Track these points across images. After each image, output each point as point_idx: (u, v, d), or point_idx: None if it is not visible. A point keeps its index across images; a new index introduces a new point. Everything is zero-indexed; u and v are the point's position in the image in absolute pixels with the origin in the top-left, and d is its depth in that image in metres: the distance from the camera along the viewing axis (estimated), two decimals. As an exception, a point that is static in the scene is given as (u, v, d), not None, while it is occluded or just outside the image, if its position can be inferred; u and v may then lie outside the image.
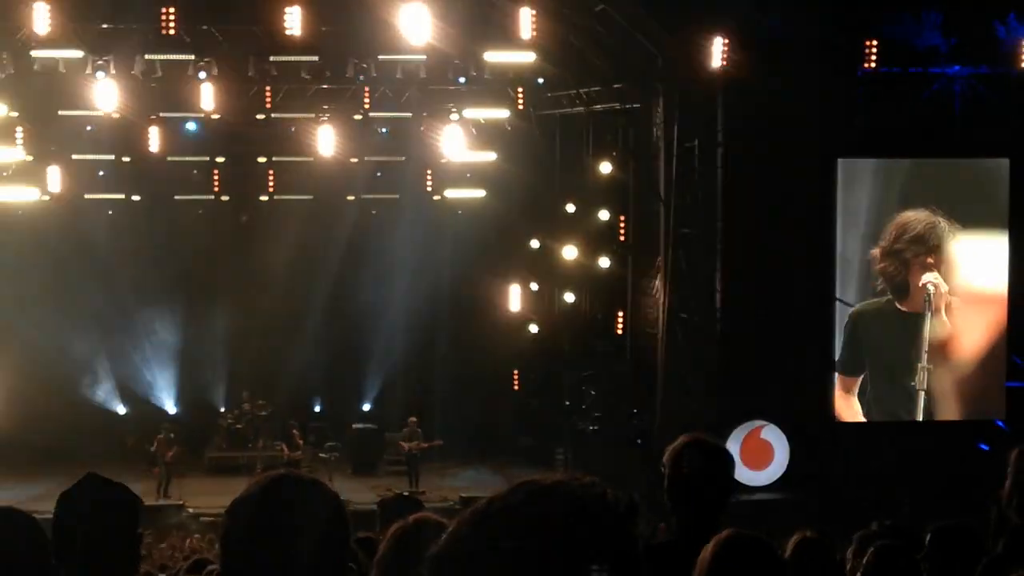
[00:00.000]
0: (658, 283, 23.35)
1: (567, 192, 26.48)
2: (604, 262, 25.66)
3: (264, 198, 26.17)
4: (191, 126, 25.00)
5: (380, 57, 22.63)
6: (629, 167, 24.72)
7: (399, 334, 26.97)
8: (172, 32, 20.81)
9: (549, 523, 1.95)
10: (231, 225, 26.87)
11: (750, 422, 21.36)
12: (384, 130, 24.92)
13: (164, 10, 20.57)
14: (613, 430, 25.10)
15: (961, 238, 21.47)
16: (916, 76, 21.57)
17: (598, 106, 24.50)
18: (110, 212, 26.04)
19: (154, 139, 23.96)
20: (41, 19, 19.81)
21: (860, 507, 15.69)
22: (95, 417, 26.71)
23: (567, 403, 27.54)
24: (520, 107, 23.89)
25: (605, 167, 25.19)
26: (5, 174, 24.61)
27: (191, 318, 27.70)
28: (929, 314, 21.35)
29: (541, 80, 23.64)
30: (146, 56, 22.06)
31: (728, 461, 4.70)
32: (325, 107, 24.17)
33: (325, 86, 23.59)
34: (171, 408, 27.90)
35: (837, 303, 21.87)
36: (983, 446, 21.28)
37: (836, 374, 21.69)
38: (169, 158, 25.06)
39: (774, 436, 21.51)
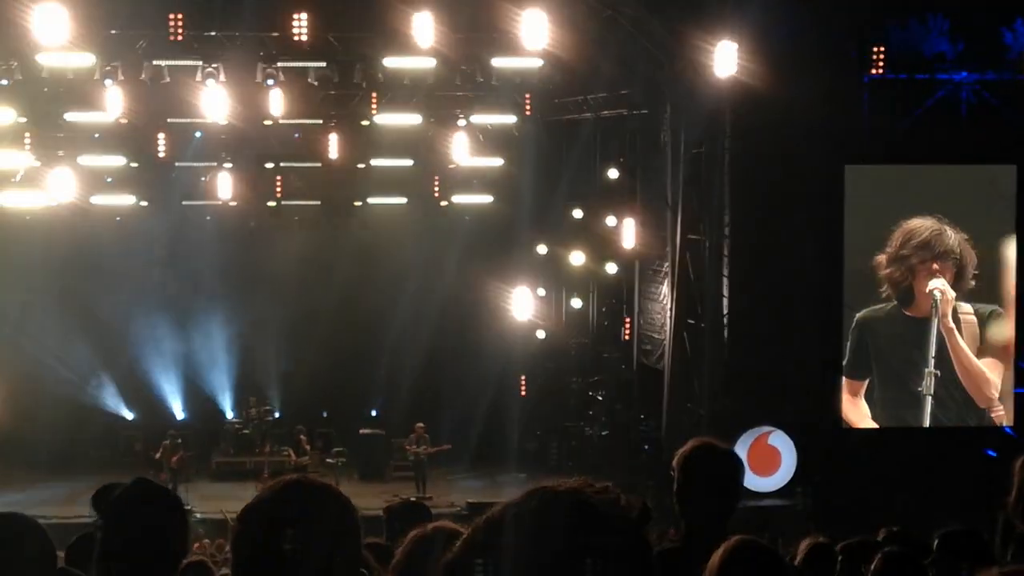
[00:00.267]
0: (665, 289, 23.35)
1: (574, 198, 26.49)
2: (611, 268, 25.66)
3: (272, 204, 26.16)
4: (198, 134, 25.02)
5: (387, 63, 22.62)
6: (636, 173, 24.73)
7: (406, 339, 26.96)
8: (180, 38, 20.84)
9: (564, 529, 1.96)
10: (239, 231, 26.86)
11: (757, 428, 21.33)
12: (390, 137, 24.90)
13: (172, 16, 20.61)
14: (620, 436, 25.09)
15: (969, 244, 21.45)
16: (923, 82, 21.55)
17: (605, 112, 24.51)
18: (118, 218, 26.05)
19: (162, 144, 23.99)
20: (52, 25, 19.89)
21: (867, 513, 15.65)
22: (102, 422, 26.73)
23: (574, 409, 27.54)
24: (527, 113, 23.88)
25: (612, 173, 25.19)
26: (13, 180, 24.63)
27: (198, 323, 27.73)
28: (936, 320, 21.31)
29: (549, 86, 23.63)
30: (154, 61, 22.08)
31: (738, 465, 4.71)
32: (332, 113, 24.18)
33: (333, 92, 23.60)
34: (178, 413, 27.90)
35: (844, 309, 21.85)
36: (991, 452, 21.23)
37: (843, 378, 21.66)
38: (177, 163, 25.08)
39: (781, 442, 21.48)
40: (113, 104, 22.34)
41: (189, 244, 26.78)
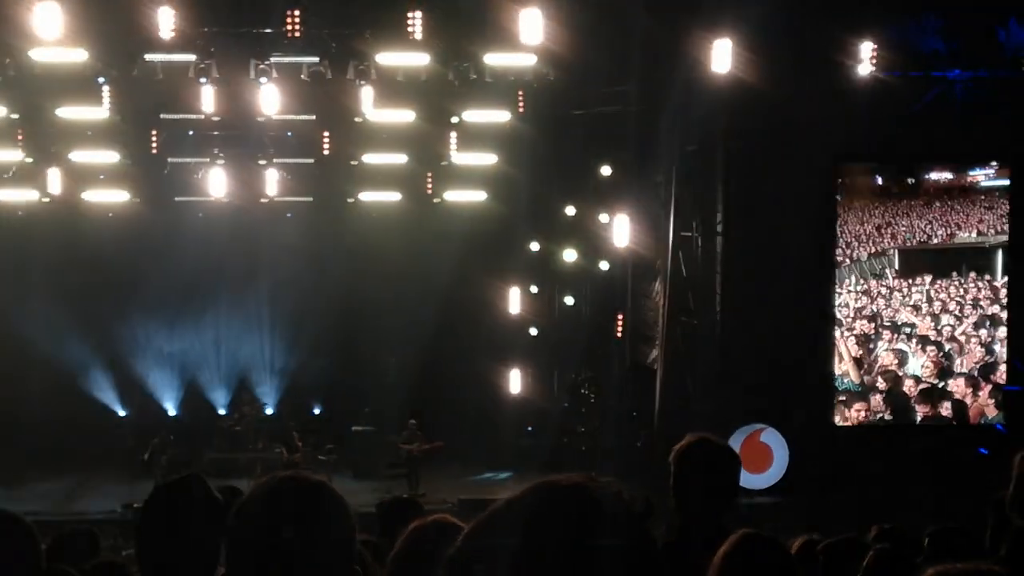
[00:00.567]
0: (658, 286, 23.37)
1: (567, 195, 26.48)
2: (604, 265, 25.66)
3: (265, 200, 26.14)
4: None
5: (381, 59, 22.62)
6: (630, 170, 24.73)
7: (399, 336, 26.94)
8: (173, 34, 20.81)
9: (566, 523, 1.96)
10: (231, 227, 26.82)
11: (749, 425, 21.37)
12: (384, 133, 24.88)
13: (165, 12, 20.58)
14: (612, 433, 25.11)
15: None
16: (917, 80, 21.58)
17: (599, 109, 24.50)
18: (110, 214, 26.02)
19: (154, 141, 23.95)
20: (46, 21, 19.91)
21: (859, 511, 15.68)
22: (94, 419, 26.69)
23: (566, 405, 27.56)
24: (521, 109, 23.87)
25: (606, 170, 25.18)
26: (5, 176, 24.61)
27: (191, 320, 27.70)
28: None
29: (543, 82, 23.63)
30: (146, 58, 22.05)
31: (734, 460, 4.71)
32: (326, 109, 24.15)
33: (326, 88, 23.59)
34: (171, 410, 27.89)
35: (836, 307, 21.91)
36: (982, 450, 21.28)
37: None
38: (170, 160, 25.04)
39: (773, 439, 21.52)
40: (106, 100, 22.37)
41: (182, 240, 26.71)
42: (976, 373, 21.96)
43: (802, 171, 21.53)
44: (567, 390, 27.70)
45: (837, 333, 21.98)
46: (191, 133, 24.86)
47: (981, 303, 22.08)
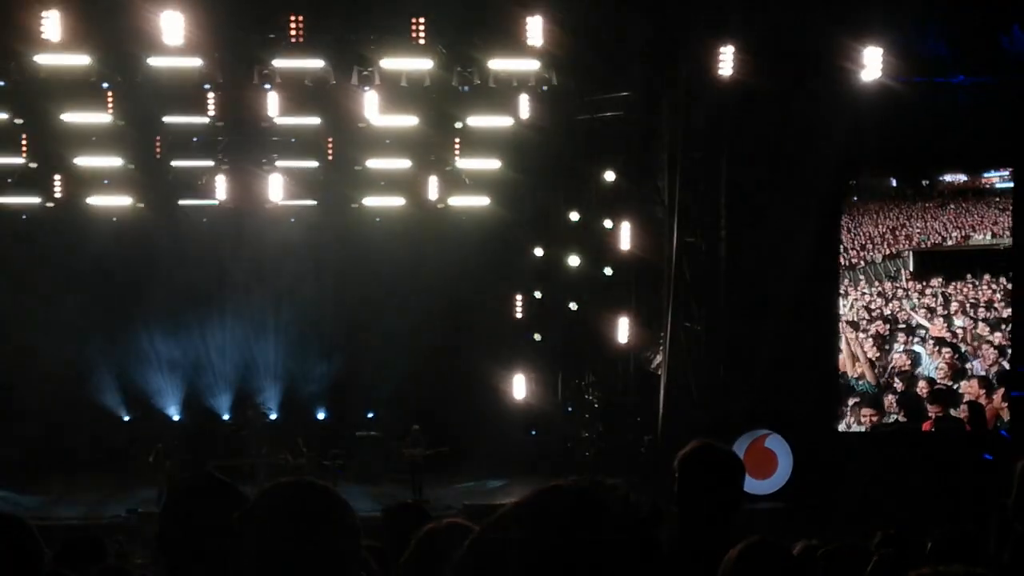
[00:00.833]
0: (662, 292, 23.36)
1: (571, 200, 26.49)
2: (608, 271, 25.66)
3: (268, 205, 26.16)
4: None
5: (384, 64, 22.65)
6: (633, 175, 24.72)
7: (403, 341, 26.92)
8: (178, 39, 20.83)
9: (574, 527, 1.96)
10: (235, 232, 26.84)
11: (754, 431, 21.36)
12: (388, 138, 24.90)
13: (166, 16, 20.60)
14: (616, 438, 25.09)
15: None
16: (920, 86, 21.57)
17: (603, 114, 24.51)
18: (114, 219, 26.05)
19: (158, 145, 23.98)
20: (51, 27, 19.98)
21: (863, 516, 15.67)
22: (97, 423, 26.67)
23: (570, 410, 27.55)
24: (525, 115, 23.88)
25: (609, 176, 25.19)
26: (9, 180, 24.64)
27: (195, 324, 27.69)
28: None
29: (546, 88, 23.65)
30: (150, 62, 22.08)
31: (738, 467, 4.71)
32: (329, 114, 24.17)
33: (329, 93, 23.61)
34: (175, 415, 27.88)
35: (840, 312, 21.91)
36: (987, 456, 21.26)
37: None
38: (173, 164, 25.05)
39: (778, 445, 21.51)
40: (110, 104, 22.43)
41: (185, 245, 26.73)
42: (991, 376, 21.96)
43: (806, 176, 21.51)
44: (571, 395, 27.69)
45: (852, 335, 21.99)
46: (196, 140, 24.85)
47: (995, 305, 22.08)
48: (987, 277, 22.23)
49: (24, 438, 24.58)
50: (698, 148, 22.22)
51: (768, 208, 21.66)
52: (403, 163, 25.34)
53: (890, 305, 22.16)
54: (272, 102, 23.24)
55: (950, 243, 22.48)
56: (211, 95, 23.66)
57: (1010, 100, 21.28)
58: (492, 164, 25.50)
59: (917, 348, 22.02)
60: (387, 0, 21.92)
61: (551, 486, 2.05)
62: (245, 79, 23.17)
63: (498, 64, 22.80)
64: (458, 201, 26.53)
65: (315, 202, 26.33)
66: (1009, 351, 21.94)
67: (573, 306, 27.23)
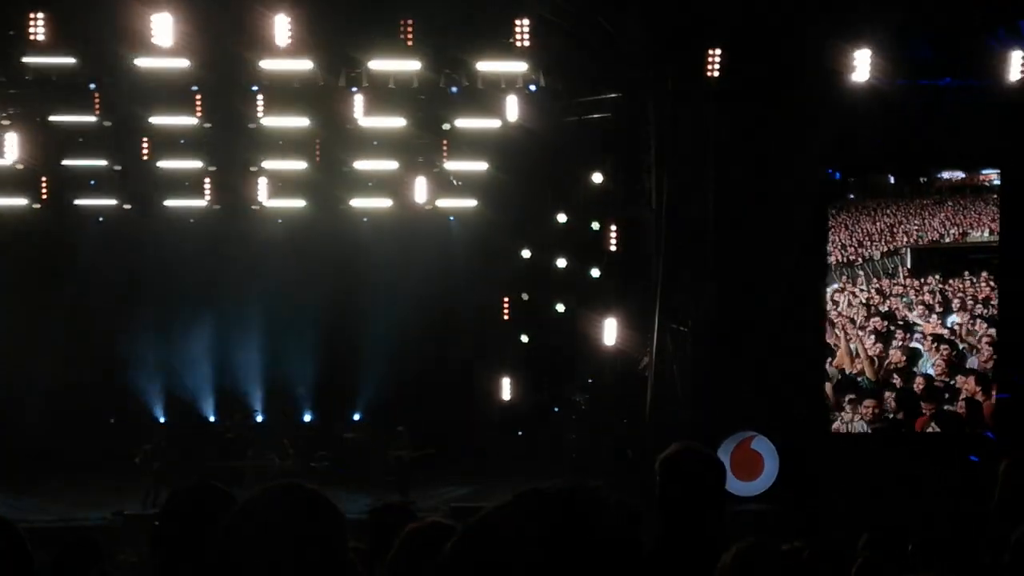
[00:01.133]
0: (649, 294, 23.37)
1: (559, 202, 26.50)
2: (595, 272, 25.68)
3: (256, 207, 26.14)
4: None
5: (372, 66, 22.66)
6: (620, 177, 24.75)
7: (390, 343, 26.92)
8: (164, 41, 20.80)
9: (554, 530, 1.96)
10: (222, 233, 26.81)
11: (740, 433, 21.38)
12: (375, 140, 24.89)
13: (155, 17, 20.58)
14: (603, 440, 25.10)
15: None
16: (906, 88, 21.61)
17: (591, 116, 24.52)
18: (100, 219, 25.98)
19: (145, 147, 23.93)
20: (35, 28, 19.93)
21: (850, 518, 15.69)
22: (83, 425, 26.58)
23: (556, 411, 27.56)
24: (512, 117, 23.88)
25: (597, 177, 25.20)
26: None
27: (181, 326, 27.63)
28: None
29: (533, 88, 23.66)
30: (137, 63, 22.04)
31: (719, 469, 4.72)
32: (317, 115, 24.15)
33: (317, 94, 23.61)
34: (161, 416, 27.81)
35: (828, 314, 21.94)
36: (973, 458, 21.30)
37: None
38: (159, 164, 24.99)
39: (764, 447, 21.53)
40: (95, 106, 22.41)
41: (172, 246, 26.69)
42: (988, 372, 22.04)
43: (793, 177, 21.55)
44: (558, 397, 27.70)
45: (853, 331, 22.04)
46: (182, 141, 24.79)
47: (993, 302, 22.16)
48: (984, 274, 22.31)
49: (8, 441, 24.50)
50: (685, 150, 22.24)
51: (756, 209, 21.69)
52: (391, 165, 25.33)
53: (888, 302, 22.24)
54: (260, 103, 23.25)
55: (948, 240, 22.55)
56: (198, 96, 23.63)
57: (996, 102, 21.34)
58: (480, 166, 25.51)
59: (915, 345, 22.11)
60: (375, 2, 21.91)
61: (532, 489, 2.05)
62: (233, 80, 23.15)
63: (486, 66, 22.82)
64: (446, 203, 26.54)
65: (303, 203, 26.30)
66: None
67: (560, 307, 27.24)
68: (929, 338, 22.04)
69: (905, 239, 22.50)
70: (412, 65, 22.60)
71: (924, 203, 22.62)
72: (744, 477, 20.93)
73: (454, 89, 23.68)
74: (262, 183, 25.35)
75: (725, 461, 20.27)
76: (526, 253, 27.60)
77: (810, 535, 7.19)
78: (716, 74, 20.98)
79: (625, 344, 24.85)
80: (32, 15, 20.60)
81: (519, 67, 22.75)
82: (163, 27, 20.50)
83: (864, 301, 22.22)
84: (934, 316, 22.15)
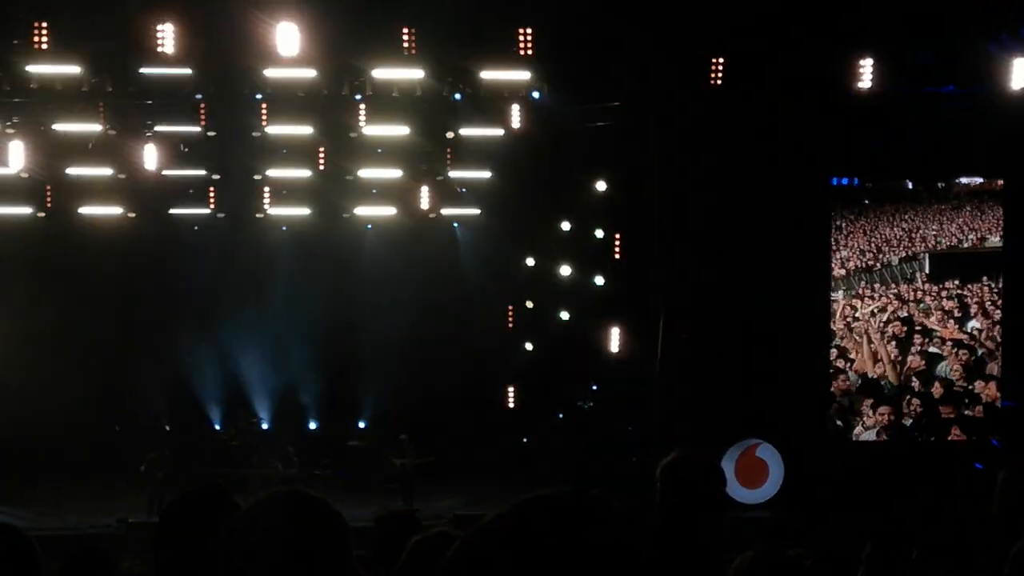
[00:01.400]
0: (654, 301, 23.37)
1: (562, 210, 26.49)
2: (599, 280, 25.68)
3: (260, 215, 26.15)
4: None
5: (376, 74, 22.68)
6: (625, 185, 24.75)
7: (394, 351, 26.91)
8: (168, 49, 20.84)
9: (556, 536, 1.97)
10: (227, 241, 26.82)
11: (745, 440, 21.37)
12: (379, 148, 24.91)
13: (159, 27, 20.62)
14: (608, 447, 25.07)
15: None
16: (909, 95, 21.62)
17: (595, 124, 24.52)
18: (105, 228, 25.99)
19: (150, 155, 23.95)
20: (36, 37, 19.96)
21: (855, 526, 15.67)
22: (87, 432, 26.58)
23: (560, 417, 27.53)
24: (516, 125, 23.89)
25: (600, 185, 25.21)
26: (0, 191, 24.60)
27: (186, 334, 27.63)
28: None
29: (537, 96, 23.67)
30: (141, 71, 22.06)
31: (719, 477, 4.72)
32: (321, 123, 24.16)
33: (321, 103, 23.64)
34: (166, 424, 27.79)
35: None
36: (978, 465, 21.29)
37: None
38: (164, 172, 24.98)
39: (769, 455, 21.52)
40: (99, 116, 22.46)
41: (176, 254, 26.70)
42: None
43: (795, 186, 21.57)
44: (562, 405, 27.67)
45: (877, 336, 22.06)
46: (187, 149, 24.79)
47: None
48: (1003, 278, 22.37)
49: (11, 446, 24.50)
50: (688, 158, 22.25)
51: (759, 217, 21.70)
52: (395, 173, 25.34)
53: (906, 307, 22.27)
54: (263, 112, 23.29)
55: (966, 245, 22.57)
56: (202, 104, 23.66)
57: (998, 110, 21.34)
58: (483, 174, 25.52)
59: (933, 349, 22.14)
60: (379, 10, 21.92)
61: (533, 496, 2.05)
62: (236, 89, 23.17)
63: (489, 74, 22.83)
64: (450, 211, 26.55)
65: (307, 211, 26.32)
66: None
67: (565, 316, 27.23)
68: (948, 343, 22.07)
69: (923, 244, 22.53)
70: (415, 74, 22.62)
71: (942, 208, 22.66)
72: (749, 485, 20.92)
73: (457, 97, 23.70)
74: (266, 191, 25.37)
75: (730, 469, 20.39)
76: (530, 261, 27.59)
77: (815, 542, 7.19)
78: (719, 82, 20.98)
79: (630, 352, 24.85)
80: (36, 24, 20.64)
81: (522, 75, 22.76)
82: (167, 36, 20.53)
83: (883, 306, 22.25)
84: (952, 321, 22.17)
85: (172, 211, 25.98)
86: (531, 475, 24.59)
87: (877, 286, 22.35)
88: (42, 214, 25.31)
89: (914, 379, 22.08)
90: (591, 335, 26.04)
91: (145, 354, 27.35)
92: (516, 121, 23.71)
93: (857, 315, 22.24)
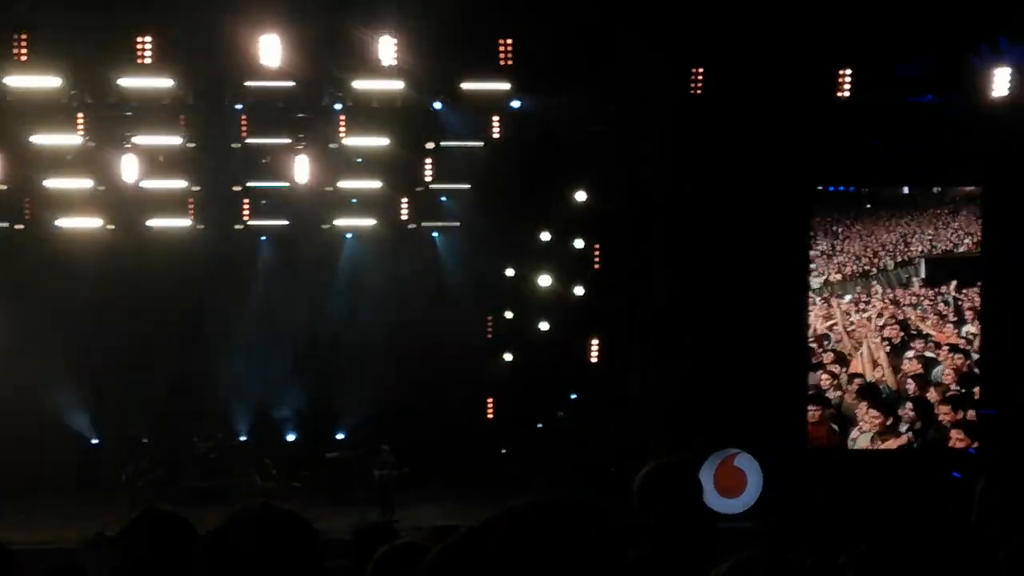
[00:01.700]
0: (633, 311, 23.41)
1: (542, 220, 26.51)
2: (579, 291, 25.69)
3: (239, 226, 26.09)
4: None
5: (356, 85, 22.67)
6: (604, 196, 24.77)
7: (373, 362, 26.88)
8: (148, 61, 20.81)
9: (537, 546, 1.96)
10: (205, 253, 26.75)
11: (724, 450, 21.38)
12: (359, 159, 24.89)
13: (139, 39, 20.59)
14: (588, 457, 25.08)
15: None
16: (890, 104, 21.71)
17: (574, 134, 24.54)
18: (83, 239, 25.88)
19: (129, 167, 23.87)
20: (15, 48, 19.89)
21: (834, 535, 15.69)
22: (65, 443, 26.46)
23: (541, 429, 27.52)
24: (496, 135, 23.91)
25: (580, 195, 25.23)
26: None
27: (164, 345, 27.51)
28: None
29: (517, 105, 23.68)
30: (121, 83, 22.01)
31: (695, 487, 4.72)
32: (300, 135, 24.15)
33: (300, 114, 23.63)
34: (144, 436, 27.66)
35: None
36: (956, 474, 21.34)
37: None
38: (142, 184, 24.91)
39: (748, 464, 21.53)
40: (81, 127, 22.37)
41: (155, 265, 26.59)
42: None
43: (779, 195, 21.63)
44: (542, 416, 27.66)
45: (876, 340, 22.13)
46: (162, 159, 24.71)
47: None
48: None
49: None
50: (669, 168, 22.29)
51: (740, 226, 21.75)
52: (374, 184, 25.32)
53: (902, 311, 22.34)
54: (243, 123, 23.25)
55: (962, 249, 22.66)
56: (182, 116, 23.61)
57: (979, 118, 21.44)
58: (463, 185, 25.53)
59: (930, 354, 22.21)
60: (358, 22, 21.91)
61: (515, 505, 2.05)
62: (216, 100, 23.13)
63: (470, 85, 22.84)
64: (430, 222, 26.55)
65: (286, 222, 26.28)
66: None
67: (544, 326, 27.23)
68: (944, 348, 22.17)
69: (919, 249, 22.62)
70: (395, 85, 22.62)
71: (938, 213, 22.75)
72: (728, 494, 20.92)
73: (437, 106, 23.71)
74: (245, 202, 25.33)
75: (708, 478, 20.39)
76: (510, 271, 27.59)
77: (795, 551, 7.18)
78: (699, 92, 21.03)
79: (609, 362, 24.88)
80: (16, 36, 20.58)
81: (502, 86, 22.78)
82: (144, 47, 20.50)
83: (879, 311, 22.34)
84: (948, 326, 22.27)
85: (150, 223, 25.90)
86: (511, 486, 24.56)
87: (873, 291, 22.45)
88: (20, 226, 25.20)
89: (910, 382, 22.16)
90: (570, 345, 26.06)
91: (123, 366, 27.23)
92: (496, 132, 23.72)
93: (852, 319, 22.31)
